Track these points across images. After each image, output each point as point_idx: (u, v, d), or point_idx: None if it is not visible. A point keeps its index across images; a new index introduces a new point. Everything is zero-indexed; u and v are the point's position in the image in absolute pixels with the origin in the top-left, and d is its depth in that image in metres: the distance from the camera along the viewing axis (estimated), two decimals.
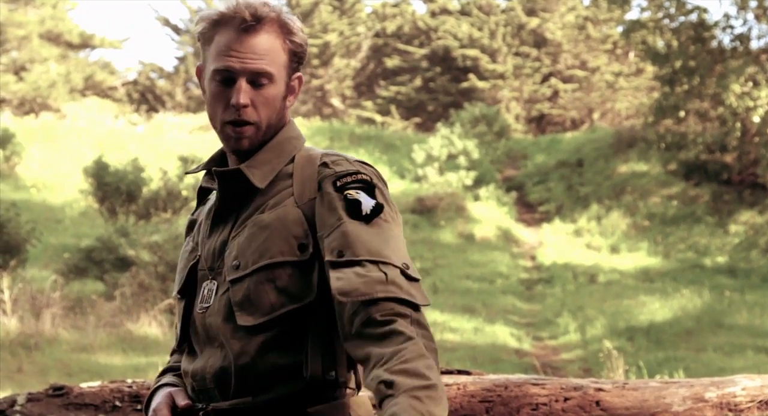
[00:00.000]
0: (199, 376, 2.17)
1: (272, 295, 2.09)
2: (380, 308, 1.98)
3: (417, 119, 41.20)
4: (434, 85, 41.72)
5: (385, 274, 2.01)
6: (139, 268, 15.39)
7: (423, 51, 42.28)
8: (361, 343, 1.99)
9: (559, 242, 23.38)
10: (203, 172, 2.35)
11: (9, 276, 14.92)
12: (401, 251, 2.07)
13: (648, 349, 13.81)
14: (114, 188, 19.64)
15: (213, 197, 2.30)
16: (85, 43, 43.78)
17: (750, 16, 25.09)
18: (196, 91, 44.64)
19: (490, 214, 25.29)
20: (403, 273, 2.03)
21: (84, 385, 3.66)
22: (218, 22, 2.17)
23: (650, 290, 18.31)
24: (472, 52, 41.08)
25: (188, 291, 2.28)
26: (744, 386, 3.47)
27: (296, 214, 2.12)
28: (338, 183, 2.11)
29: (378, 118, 40.48)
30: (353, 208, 2.08)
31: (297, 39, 2.19)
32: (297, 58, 2.20)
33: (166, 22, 46.82)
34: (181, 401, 2.18)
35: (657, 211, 24.65)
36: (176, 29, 46.59)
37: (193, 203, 21.06)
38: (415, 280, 2.05)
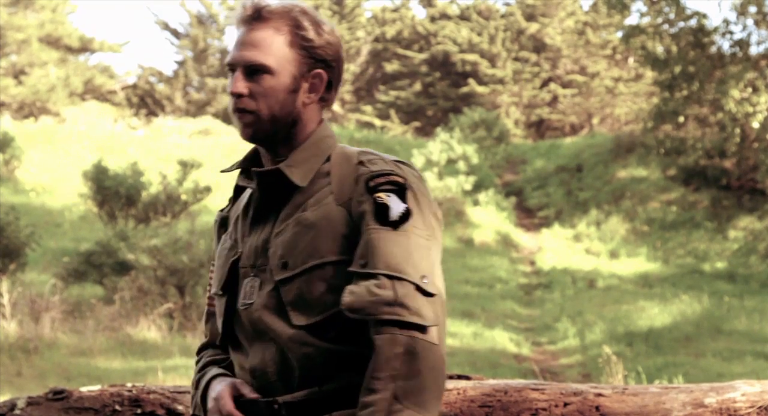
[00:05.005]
0: (259, 372, 2.19)
1: (325, 294, 2.12)
2: (381, 331, 2.04)
3: (416, 124, 41.24)
4: (434, 89, 41.77)
5: (395, 293, 2.04)
6: (139, 272, 15.40)
7: (422, 56, 42.32)
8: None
9: (558, 247, 23.38)
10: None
11: (8, 280, 14.92)
12: (422, 263, 2.09)
13: (647, 354, 13.81)
14: (113, 192, 19.64)
15: (246, 194, 2.34)
16: (85, 47, 43.82)
17: (749, 21, 25.13)
18: (196, 96, 44.68)
19: (489, 219, 25.31)
20: (419, 288, 2.06)
21: (84, 389, 3.66)
22: (235, 21, 2.24)
23: (649, 296, 18.31)
24: (472, 57, 41.14)
25: (229, 287, 2.29)
26: (744, 391, 3.47)
27: (340, 212, 2.14)
28: (371, 184, 2.13)
29: (377, 122, 40.53)
30: (381, 213, 2.10)
31: (309, 35, 2.20)
32: (310, 54, 2.21)
33: (166, 26, 46.86)
34: (250, 393, 2.18)
35: (656, 216, 24.66)
36: (176, 33, 46.62)
37: (193, 207, 20.89)
38: (431, 295, 2.07)
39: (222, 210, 2.44)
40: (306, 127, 2.24)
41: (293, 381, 2.15)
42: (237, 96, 2.19)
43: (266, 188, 2.23)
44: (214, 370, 2.33)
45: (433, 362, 2.04)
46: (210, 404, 2.21)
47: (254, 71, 2.18)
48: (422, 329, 2.04)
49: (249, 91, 2.19)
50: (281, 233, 2.19)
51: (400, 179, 2.14)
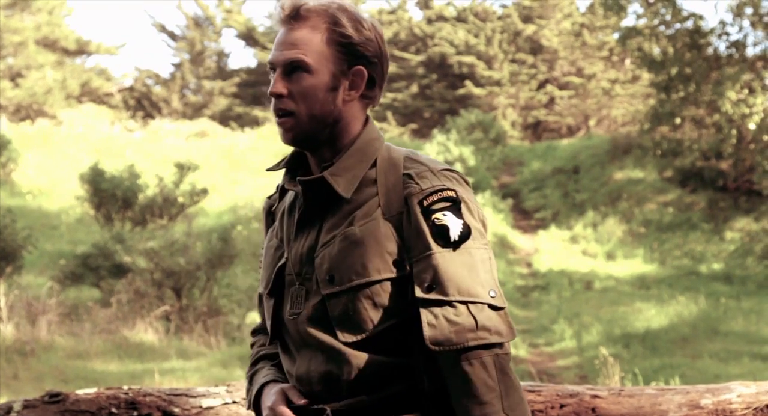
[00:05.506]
0: (305, 381, 2.20)
1: (371, 312, 2.12)
2: (469, 356, 2.05)
3: (413, 126, 41.23)
4: (430, 91, 41.77)
5: (475, 318, 2.04)
6: (135, 275, 15.39)
7: (419, 58, 42.32)
8: (449, 385, 2.09)
9: (555, 249, 23.38)
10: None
11: (5, 283, 14.91)
12: (487, 277, 2.09)
13: (644, 356, 13.81)
14: (110, 195, 19.63)
15: (292, 192, 2.31)
16: (82, 50, 43.81)
17: (746, 23, 25.14)
18: (192, 98, 44.66)
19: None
20: (491, 306, 2.07)
21: (80, 392, 3.66)
22: (276, 20, 2.25)
23: (646, 297, 18.31)
24: (469, 59, 41.14)
25: (276, 292, 2.28)
26: (739, 393, 3.48)
27: (387, 228, 2.12)
28: (425, 203, 2.11)
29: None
30: (441, 234, 2.09)
31: (347, 31, 2.18)
32: (350, 51, 2.19)
33: (163, 29, 46.85)
34: (298, 399, 2.19)
35: (653, 218, 24.67)
36: (172, 36, 46.60)
37: (190, 210, 20.84)
38: (501, 309, 2.09)
39: (270, 197, 2.44)
40: (349, 126, 2.22)
41: (340, 390, 2.15)
42: (277, 96, 2.18)
43: (311, 195, 2.21)
44: (266, 372, 2.35)
45: (513, 372, 2.08)
46: (265, 413, 2.23)
47: (293, 70, 2.17)
48: (501, 345, 2.07)
49: (288, 92, 2.17)
50: (328, 244, 2.17)
51: (452, 194, 2.12)
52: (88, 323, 14.18)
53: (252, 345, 2.50)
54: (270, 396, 2.23)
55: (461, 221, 2.10)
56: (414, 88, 41.76)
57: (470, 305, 2.05)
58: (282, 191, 2.36)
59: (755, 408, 3.33)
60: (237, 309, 15.39)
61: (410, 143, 33.68)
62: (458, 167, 27.32)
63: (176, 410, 3.54)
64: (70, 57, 43.74)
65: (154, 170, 22.77)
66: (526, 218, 27.22)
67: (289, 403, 2.20)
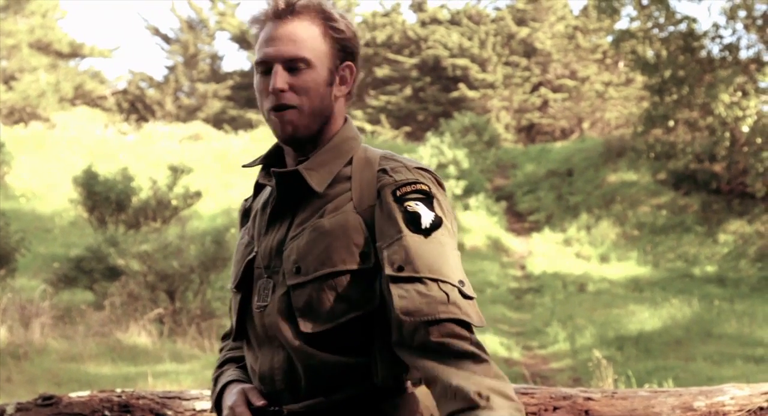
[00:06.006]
0: (267, 379, 2.19)
1: (334, 303, 2.10)
2: (441, 328, 1.99)
3: (407, 128, 41.23)
4: (424, 94, 41.78)
5: (447, 294, 2.01)
6: (129, 277, 15.36)
7: (413, 60, 42.33)
8: (420, 359, 2.00)
9: (548, 252, 23.39)
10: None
11: None
12: (457, 268, 2.07)
13: (637, 358, 13.81)
14: (103, 198, 19.60)
15: (268, 190, 2.32)
16: (75, 53, 43.77)
17: (739, 25, 25.18)
18: (186, 101, 44.62)
19: (479, 223, 25.31)
20: (460, 292, 2.04)
21: (73, 395, 3.65)
22: (262, 20, 2.21)
23: (639, 300, 18.32)
24: (462, 62, 41.16)
25: (244, 286, 2.28)
26: (733, 395, 3.48)
27: (356, 221, 2.12)
28: (398, 193, 2.11)
29: (368, 127, 40.51)
30: (413, 220, 2.08)
31: (340, 26, 2.19)
32: (342, 47, 2.21)
33: (156, 32, 46.82)
34: (257, 401, 2.18)
35: (646, 220, 24.69)
36: (166, 38, 46.58)
37: (184, 212, 20.78)
38: (470, 298, 2.05)
39: (246, 199, 2.44)
40: (333, 122, 2.23)
41: (300, 390, 2.14)
42: (277, 92, 2.16)
43: (285, 189, 2.21)
44: (230, 373, 2.34)
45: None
46: (225, 412, 2.22)
47: (294, 65, 2.16)
48: (470, 327, 2.02)
49: (290, 87, 2.16)
50: (297, 237, 2.17)
51: (425, 188, 2.12)
52: (82, 326, 14.15)
53: (221, 350, 2.49)
54: (231, 396, 2.23)
55: (433, 213, 2.09)
56: (408, 91, 41.77)
57: (441, 283, 2.02)
58: (257, 188, 2.37)
59: (748, 411, 3.33)
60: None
61: (404, 146, 33.69)
62: (452, 169, 27.33)
63: (169, 413, 3.54)
64: (63, 60, 43.70)
65: (148, 173, 22.75)
66: (519, 220, 27.23)
67: (249, 404, 2.19)
